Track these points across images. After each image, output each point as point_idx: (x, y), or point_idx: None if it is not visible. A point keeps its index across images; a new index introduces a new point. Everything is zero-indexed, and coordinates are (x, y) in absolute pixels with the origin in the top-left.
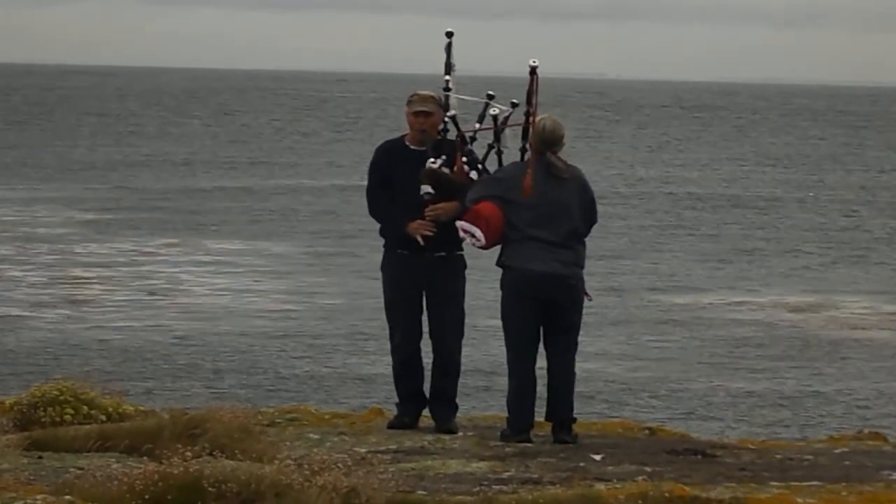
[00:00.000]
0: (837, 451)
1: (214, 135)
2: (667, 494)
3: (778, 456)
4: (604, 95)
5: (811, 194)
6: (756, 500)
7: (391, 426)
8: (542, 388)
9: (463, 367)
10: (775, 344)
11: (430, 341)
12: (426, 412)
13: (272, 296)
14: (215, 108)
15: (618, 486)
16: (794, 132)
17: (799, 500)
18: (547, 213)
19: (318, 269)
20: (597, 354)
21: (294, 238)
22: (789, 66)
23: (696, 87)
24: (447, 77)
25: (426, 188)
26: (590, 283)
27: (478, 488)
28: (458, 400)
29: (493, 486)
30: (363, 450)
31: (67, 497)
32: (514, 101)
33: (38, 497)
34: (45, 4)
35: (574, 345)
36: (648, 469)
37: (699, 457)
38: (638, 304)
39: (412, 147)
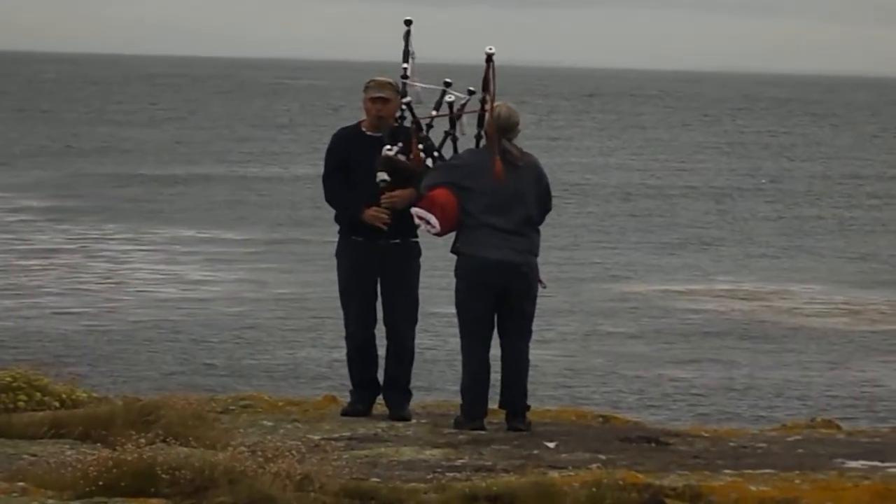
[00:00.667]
0: (790, 438)
1: (177, 122)
2: (620, 482)
3: (731, 444)
4: (566, 83)
5: (763, 181)
6: (709, 488)
7: (345, 413)
8: (495, 376)
9: (417, 355)
10: (729, 332)
11: (384, 328)
12: (380, 399)
13: (226, 284)
14: (175, 96)
15: (571, 473)
16: (755, 121)
17: (752, 487)
18: (502, 201)
19: (273, 257)
20: (551, 342)
21: (249, 226)
22: (752, 54)
23: (656, 75)
24: (405, 65)
25: (382, 175)
26: (544, 271)
27: (431, 475)
28: (411, 387)
29: (447, 474)
30: (317, 437)
31: (21, 484)
32: (471, 88)
33: None
34: None
35: (528, 332)
36: (602, 457)
37: (652, 444)
38: (592, 293)
39: (369, 133)
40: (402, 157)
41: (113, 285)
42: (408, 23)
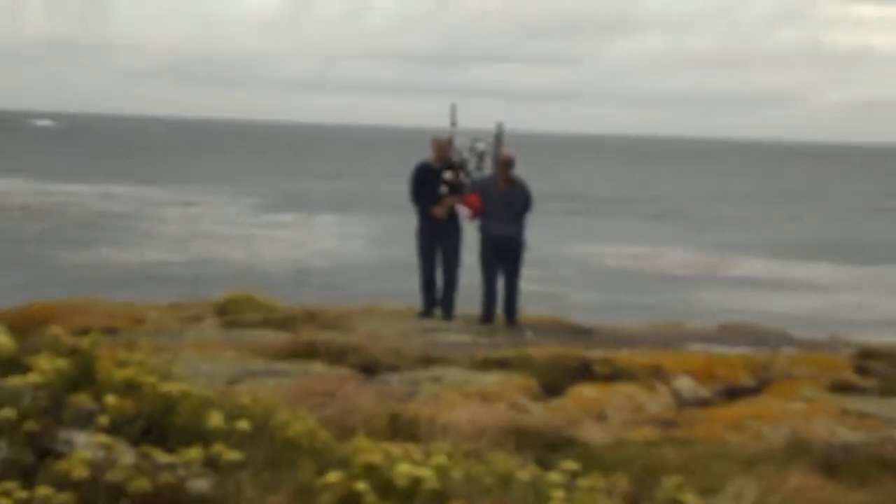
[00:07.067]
0: (660, 333)
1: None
2: (568, 354)
3: (627, 333)
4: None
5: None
6: (617, 358)
7: (419, 315)
8: (500, 298)
9: (458, 285)
10: (628, 275)
11: (441, 270)
12: (438, 308)
13: (355, 248)
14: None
15: (542, 349)
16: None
17: (638, 359)
18: (504, 203)
19: (379, 231)
20: (530, 279)
21: (368, 215)
22: None
23: None
24: (452, 127)
25: (443, 188)
26: (528, 240)
27: (466, 349)
28: (454, 302)
29: (474, 348)
30: (405, 328)
31: (246, 351)
32: (488, 140)
33: (228, 352)
34: None
35: (518, 273)
36: (559, 340)
37: (586, 334)
38: (554, 253)
39: (434, 165)
40: (452, 179)
41: (294, 247)
42: (454, 105)
